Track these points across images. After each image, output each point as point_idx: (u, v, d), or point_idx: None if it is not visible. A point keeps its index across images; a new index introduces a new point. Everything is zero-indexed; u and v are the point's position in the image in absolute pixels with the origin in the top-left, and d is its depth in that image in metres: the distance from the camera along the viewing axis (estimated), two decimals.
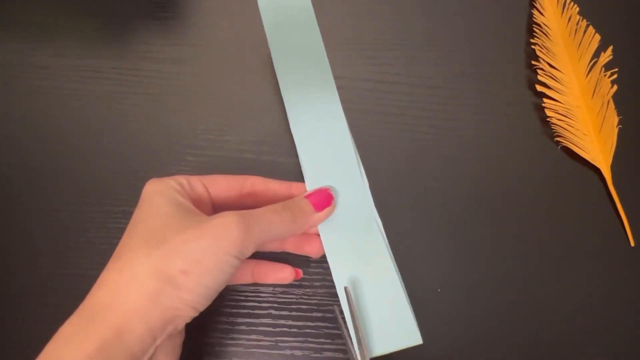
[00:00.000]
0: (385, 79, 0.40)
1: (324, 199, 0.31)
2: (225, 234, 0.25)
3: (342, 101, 0.39)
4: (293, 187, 0.32)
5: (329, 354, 0.33)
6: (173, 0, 0.42)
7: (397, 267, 0.31)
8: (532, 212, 0.36)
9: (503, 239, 0.36)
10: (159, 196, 0.27)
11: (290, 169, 0.37)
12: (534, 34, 0.41)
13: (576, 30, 0.41)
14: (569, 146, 0.38)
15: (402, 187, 0.37)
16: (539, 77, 0.40)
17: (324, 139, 0.33)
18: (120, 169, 0.37)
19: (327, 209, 0.30)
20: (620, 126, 0.38)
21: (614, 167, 0.37)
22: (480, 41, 0.41)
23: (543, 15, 0.41)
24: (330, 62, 0.40)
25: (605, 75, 0.39)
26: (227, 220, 0.26)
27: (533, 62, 0.40)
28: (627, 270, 0.35)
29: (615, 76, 0.39)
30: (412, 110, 0.39)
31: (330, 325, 0.33)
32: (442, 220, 0.36)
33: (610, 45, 0.40)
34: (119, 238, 0.35)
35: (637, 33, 0.42)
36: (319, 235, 0.31)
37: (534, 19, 0.42)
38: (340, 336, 0.33)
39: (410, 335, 0.30)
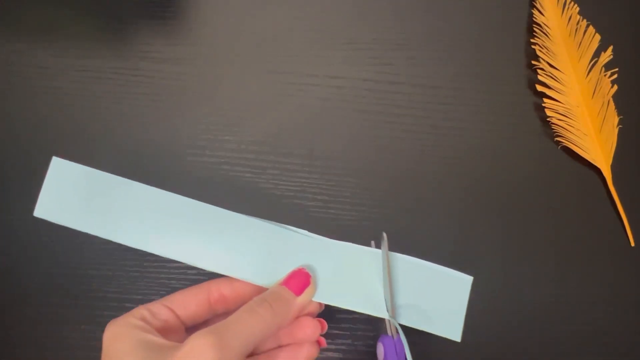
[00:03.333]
0: (385, 79, 0.40)
1: (301, 280, 0.28)
2: None
3: (342, 101, 0.39)
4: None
5: (329, 353, 0.33)
6: (173, 0, 0.42)
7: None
8: (532, 212, 0.36)
9: (503, 238, 0.36)
10: (120, 345, 0.24)
11: (290, 169, 0.37)
12: (534, 34, 0.41)
13: (576, 30, 0.41)
14: (569, 146, 0.38)
15: (402, 187, 0.37)
16: (539, 77, 0.40)
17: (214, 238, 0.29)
18: (120, 169, 0.37)
19: (307, 290, 0.28)
20: (620, 126, 0.38)
21: (614, 167, 0.37)
22: (480, 41, 0.41)
23: (543, 15, 0.41)
24: (330, 62, 0.40)
25: (605, 75, 0.39)
26: (199, 346, 0.22)
27: (533, 62, 0.40)
28: (627, 270, 0.35)
29: (615, 76, 0.39)
30: (412, 110, 0.39)
31: (330, 325, 0.33)
32: (442, 220, 0.36)
33: (610, 45, 0.40)
34: None
35: (637, 33, 0.42)
36: (309, 314, 0.29)
37: (534, 19, 0.42)
38: (341, 336, 0.33)
39: (452, 329, 0.30)
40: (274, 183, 0.37)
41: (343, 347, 0.33)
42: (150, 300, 0.34)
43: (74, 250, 0.35)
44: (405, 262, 0.30)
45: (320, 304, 0.29)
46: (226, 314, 0.27)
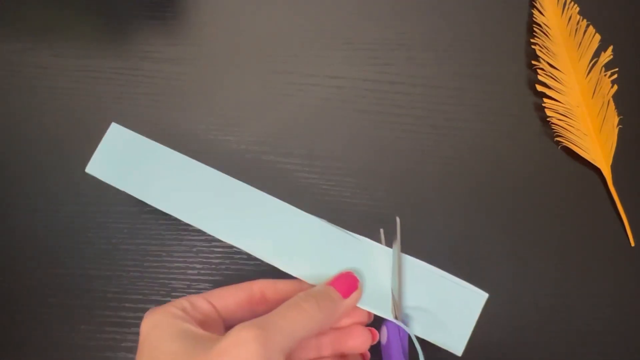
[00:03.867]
0: (385, 79, 0.40)
1: (349, 283, 0.27)
2: (242, 355, 0.21)
3: (342, 101, 0.39)
4: (304, 284, 0.29)
5: None
6: (173, 0, 0.42)
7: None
8: (532, 212, 0.36)
9: (503, 238, 0.36)
10: (160, 332, 0.24)
11: (290, 169, 0.37)
12: (534, 33, 0.41)
13: (576, 30, 0.41)
14: (569, 146, 0.38)
15: (402, 187, 0.37)
16: (539, 77, 0.40)
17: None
18: None
19: (354, 294, 0.27)
20: (620, 126, 0.38)
21: (614, 167, 0.37)
22: (480, 41, 0.41)
23: (543, 15, 0.41)
24: (330, 62, 0.40)
25: (605, 75, 0.39)
26: (242, 339, 0.22)
27: (533, 62, 0.40)
28: (627, 270, 0.35)
29: (615, 76, 0.39)
30: (412, 110, 0.39)
31: None
32: (442, 219, 0.36)
33: (610, 45, 0.40)
34: (119, 237, 0.35)
35: (637, 33, 0.42)
36: (360, 323, 0.28)
37: (534, 19, 0.42)
38: None
39: (456, 342, 0.29)
40: (274, 183, 0.37)
41: None
42: (150, 301, 0.34)
43: (74, 250, 0.35)
44: (420, 268, 0.30)
45: (370, 313, 0.28)
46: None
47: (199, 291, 0.34)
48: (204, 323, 0.26)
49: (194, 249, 0.35)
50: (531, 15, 0.42)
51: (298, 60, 0.40)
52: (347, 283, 0.27)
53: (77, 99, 0.39)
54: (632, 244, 0.36)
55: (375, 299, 0.28)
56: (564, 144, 0.38)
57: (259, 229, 0.29)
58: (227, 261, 0.35)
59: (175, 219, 0.35)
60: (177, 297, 0.34)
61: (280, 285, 0.28)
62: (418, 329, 0.28)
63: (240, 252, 0.35)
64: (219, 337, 0.23)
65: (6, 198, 0.36)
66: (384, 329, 0.29)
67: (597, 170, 0.37)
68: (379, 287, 0.29)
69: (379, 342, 0.29)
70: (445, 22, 0.42)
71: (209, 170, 0.31)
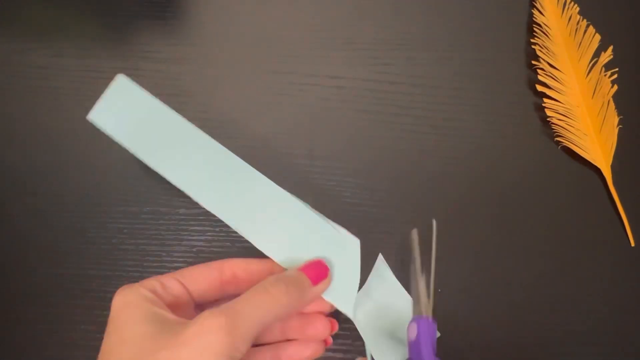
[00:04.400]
0: (385, 79, 0.40)
1: (320, 271, 0.28)
2: (208, 344, 0.22)
3: (342, 101, 0.39)
4: (275, 266, 0.29)
5: (329, 353, 0.33)
6: (173, 0, 0.42)
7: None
8: (532, 212, 0.36)
9: (503, 238, 0.36)
10: (129, 312, 0.24)
11: (290, 169, 0.37)
12: (534, 33, 0.41)
13: (576, 30, 0.41)
14: (569, 146, 0.38)
15: (402, 187, 0.37)
16: (539, 77, 0.40)
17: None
18: (121, 168, 0.37)
19: (323, 283, 0.27)
20: (620, 126, 0.38)
21: (614, 167, 0.37)
22: (480, 41, 0.41)
23: (543, 15, 0.41)
24: (330, 62, 0.40)
25: (605, 75, 0.39)
26: (207, 327, 0.22)
27: (533, 62, 0.40)
28: (627, 270, 0.35)
29: (615, 76, 0.39)
30: (412, 110, 0.39)
31: None
32: (442, 219, 0.36)
33: (610, 45, 0.40)
34: (119, 237, 0.35)
35: (637, 33, 0.42)
36: (321, 312, 0.29)
37: (534, 19, 0.42)
38: (341, 336, 0.33)
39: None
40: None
41: (343, 347, 0.33)
42: None
43: (74, 250, 0.35)
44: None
45: (331, 304, 0.29)
46: (236, 295, 0.27)
47: None
48: (174, 304, 0.26)
49: (194, 249, 0.35)
50: (531, 15, 0.42)
51: (298, 60, 0.40)
52: (318, 271, 0.27)
53: (77, 99, 0.39)
54: (632, 244, 0.36)
55: (340, 292, 0.29)
56: (564, 144, 0.38)
57: (242, 204, 0.29)
58: None
59: (176, 219, 0.36)
60: None
61: (252, 265, 0.28)
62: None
63: (240, 252, 0.35)
64: (186, 322, 0.23)
65: (6, 198, 0.36)
66: (414, 325, 0.29)
67: (597, 170, 0.37)
68: (346, 280, 0.29)
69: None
70: (445, 22, 0.42)
71: (207, 139, 0.30)
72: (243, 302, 0.24)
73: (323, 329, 0.28)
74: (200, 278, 0.27)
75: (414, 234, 0.30)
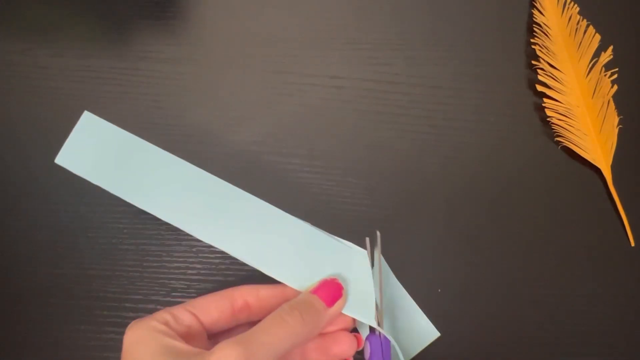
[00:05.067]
0: (385, 79, 0.40)
1: (333, 291, 0.27)
2: None
3: (342, 101, 0.39)
4: (287, 289, 0.28)
5: None
6: (173, 0, 0.42)
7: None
8: (532, 212, 0.36)
9: (503, 238, 0.36)
10: (143, 348, 0.24)
11: (290, 169, 0.37)
12: (534, 33, 0.41)
13: (576, 30, 0.41)
14: (569, 146, 0.38)
15: (402, 187, 0.37)
16: (539, 77, 0.40)
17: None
18: None
19: (338, 302, 0.27)
20: (620, 126, 0.38)
21: (614, 167, 0.37)
22: (480, 41, 0.41)
23: (543, 15, 0.41)
24: (330, 62, 0.40)
25: (605, 75, 0.39)
26: (225, 357, 0.22)
27: (533, 62, 0.40)
28: (628, 270, 0.35)
29: (615, 76, 0.39)
30: (412, 110, 0.39)
31: None
32: (442, 219, 0.36)
33: (610, 45, 0.40)
34: (119, 238, 0.35)
35: (637, 33, 0.42)
36: (344, 329, 0.28)
37: (534, 19, 0.42)
38: None
39: (428, 332, 0.32)
40: (274, 183, 0.37)
41: None
42: (150, 300, 0.34)
43: (74, 250, 0.35)
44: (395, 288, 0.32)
45: (354, 319, 0.28)
46: (249, 323, 0.27)
47: (199, 291, 0.34)
48: (187, 335, 0.25)
49: (194, 249, 0.35)
50: (531, 15, 0.42)
51: (298, 60, 0.40)
52: (332, 290, 0.27)
53: (77, 99, 0.39)
54: (632, 244, 0.36)
55: (358, 305, 0.28)
56: (564, 144, 0.38)
57: (240, 230, 0.29)
58: (227, 261, 0.35)
59: None
60: (177, 297, 0.34)
61: (263, 292, 0.28)
62: (405, 355, 0.31)
63: None
64: (202, 352, 0.23)
65: (6, 198, 0.36)
66: (367, 344, 0.29)
67: (597, 170, 0.37)
68: (362, 292, 0.28)
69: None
70: (445, 22, 0.42)
71: (188, 166, 0.29)
72: (259, 332, 0.24)
73: (349, 347, 0.27)
74: (211, 308, 0.27)
75: (377, 238, 0.29)
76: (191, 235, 0.35)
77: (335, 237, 0.30)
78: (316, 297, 0.26)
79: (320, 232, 0.29)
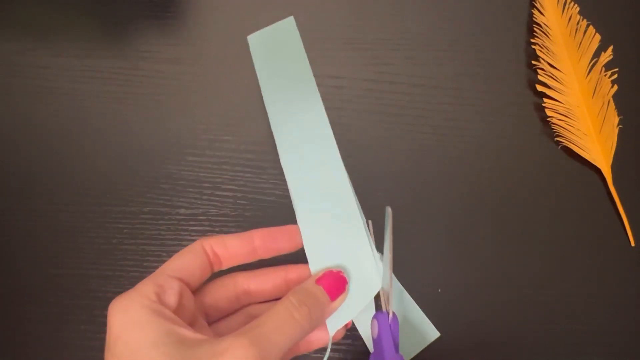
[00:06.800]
0: (385, 79, 0.40)
1: (338, 284, 0.26)
2: None
3: (342, 101, 0.39)
4: (255, 241, 0.27)
5: (329, 353, 0.33)
6: (173, 0, 0.42)
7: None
8: (532, 212, 0.36)
9: (503, 238, 0.36)
10: (139, 333, 0.21)
11: None
12: (534, 33, 0.41)
13: (576, 30, 0.41)
14: (569, 146, 0.38)
15: (402, 187, 0.37)
16: (539, 77, 0.40)
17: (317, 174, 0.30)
18: (120, 168, 0.37)
19: (341, 297, 0.26)
20: (620, 126, 0.38)
21: (614, 167, 0.37)
22: (480, 41, 0.41)
23: (543, 15, 0.41)
24: (330, 62, 0.40)
25: (605, 75, 0.39)
26: (238, 357, 0.20)
27: (533, 62, 0.40)
28: (627, 270, 0.35)
29: (615, 76, 0.39)
30: (412, 110, 0.39)
31: None
32: (442, 219, 0.36)
33: (610, 45, 0.40)
34: (119, 237, 0.35)
35: (637, 33, 0.42)
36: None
37: (534, 19, 0.42)
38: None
39: (428, 332, 0.32)
40: (274, 183, 0.37)
41: (343, 347, 0.33)
42: None
43: (74, 250, 0.35)
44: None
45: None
46: (230, 296, 0.27)
47: None
48: (180, 307, 0.24)
49: None
50: (531, 15, 0.42)
51: None
52: (337, 283, 0.26)
53: (77, 99, 0.39)
54: (632, 244, 0.36)
55: (360, 295, 0.28)
56: (564, 144, 0.38)
57: (315, 185, 0.30)
58: None
59: (176, 219, 0.36)
60: None
61: (229, 241, 0.27)
62: (406, 355, 0.31)
63: None
64: (209, 341, 0.21)
65: (6, 198, 0.36)
66: (375, 322, 0.29)
67: (597, 170, 0.37)
68: (364, 283, 0.28)
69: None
70: (445, 22, 0.42)
71: (324, 121, 0.31)
72: (272, 331, 0.23)
73: (326, 334, 0.27)
74: (192, 267, 0.25)
75: (388, 211, 0.28)
76: (191, 236, 0.35)
77: (366, 225, 0.30)
78: (321, 289, 0.26)
79: (357, 208, 0.29)
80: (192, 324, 0.24)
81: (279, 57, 0.32)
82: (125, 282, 0.34)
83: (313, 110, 0.31)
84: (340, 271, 0.27)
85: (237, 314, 0.28)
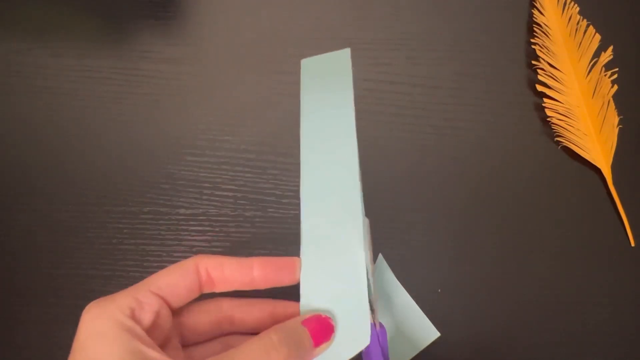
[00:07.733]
0: (385, 79, 0.40)
1: (324, 331, 0.24)
2: None
3: None
4: (254, 271, 0.25)
5: None
6: (173, 0, 0.42)
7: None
8: (532, 212, 0.36)
9: (503, 238, 0.36)
10: (101, 346, 0.20)
11: (290, 169, 0.37)
12: (534, 33, 0.41)
13: (576, 30, 0.41)
14: (569, 146, 0.38)
15: (402, 187, 0.37)
16: (539, 77, 0.40)
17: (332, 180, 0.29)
18: (120, 168, 0.37)
19: (324, 345, 0.24)
20: (620, 126, 0.38)
21: (614, 167, 0.37)
22: (480, 41, 0.41)
23: (543, 15, 0.41)
24: None
25: (605, 75, 0.39)
26: None
27: (533, 62, 0.40)
28: (627, 270, 0.35)
29: (615, 76, 0.39)
30: (412, 110, 0.39)
31: None
32: (442, 219, 0.36)
33: (610, 45, 0.40)
34: (119, 238, 0.35)
35: (637, 33, 0.42)
36: None
37: (534, 19, 0.42)
38: None
39: (428, 332, 0.32)
40: (274, 183, 0.37)
41: None
42: None
43: (74, 250, 0.35)
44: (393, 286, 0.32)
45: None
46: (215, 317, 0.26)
47: None
48: (153, 326, 0.23)
49: (194, 249, 0.35)
50: (531, 15, 0.42)
51: (298, 60, 0.40)
52: (323, 330, 0.24)
53: (77, 99, 0.39)
54: (632, 244, 0.36)
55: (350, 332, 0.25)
56: (564, 144, 0.38)
57: (329, 213, 0.27)
58: None
59: (176, 219, 0.36)
60: None
61: (227, 268, 0.25)
62: (406, 356, 0.31)
63: (240, 253, 0.35)
64: None
65: (6, 198, 0.36)
66: None
67: (597, 170, 0.37)
68: (353, 334, 0.25)
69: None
70: (445, 22, 0.42)
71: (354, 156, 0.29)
72: None
73: None
74: (178, 287, 0.24)
75: (366, 222, 0.27)
76: (191, 236, 0.35)
77: (364, 239, 0.27)
78: (307, 334, 0.23)
79: (363, 222, 0.27)
80: (163, 345, 0.23)
81: (326, 84, 0.32)
82: (125, 282, 0.34)
83: (345, 145, 0.29)
84: (330, 318, 0.25)
85: (215, 341, 0.26)
